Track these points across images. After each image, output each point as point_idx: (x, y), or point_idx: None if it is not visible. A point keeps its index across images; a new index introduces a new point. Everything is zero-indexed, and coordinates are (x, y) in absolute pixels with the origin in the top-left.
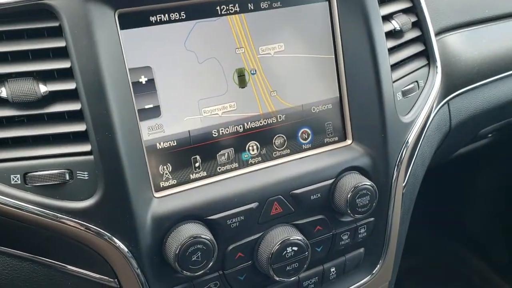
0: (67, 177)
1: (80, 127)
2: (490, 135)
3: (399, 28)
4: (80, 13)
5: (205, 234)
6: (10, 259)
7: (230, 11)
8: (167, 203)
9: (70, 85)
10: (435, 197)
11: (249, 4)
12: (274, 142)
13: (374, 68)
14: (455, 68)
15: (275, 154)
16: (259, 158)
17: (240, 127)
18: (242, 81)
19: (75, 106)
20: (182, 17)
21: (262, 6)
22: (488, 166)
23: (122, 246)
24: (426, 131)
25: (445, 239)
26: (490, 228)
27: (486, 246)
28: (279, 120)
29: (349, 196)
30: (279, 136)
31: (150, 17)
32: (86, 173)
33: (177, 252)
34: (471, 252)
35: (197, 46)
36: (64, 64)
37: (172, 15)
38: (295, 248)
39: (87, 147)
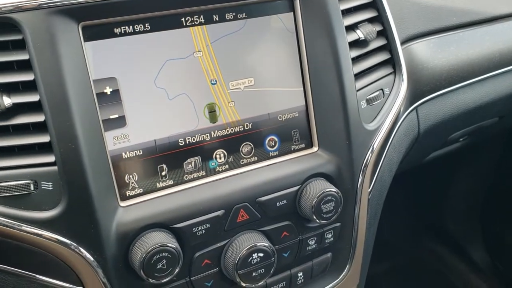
0: (32, 188)
1: (44, 138)
2: (461, 139)
3: (364, 38)
4: (43, 26)
5: (171, 242)
6: None
7: (195, 22)
8: (133, 212)
9: (33, 97)
10: (414, 199)
11: (214, 16)
12: (241, 150)
13: (338, 77)
14: (422, 75)
15: (242, 161)
16: (226, 166)
17: (207, 136)
18: (213, 117)
19: (39, 118)
20: (147, 28)
21: (227, 17)
22: (464, 168)
23: (87, 255)
24: (393, 137)
25: (425, 239)
26: (469, 228)
27: (465, 246)
28: (246, 128)
29: (314, 202)
30: (246, 144)
31: (115, 29)
32: (50, 183)
33: (141, 260)
34: (450, 253)
35: (167, 83)
36: (28, 77)
37: (136, 27)
38: (261, 254)
39: (51, 158)
